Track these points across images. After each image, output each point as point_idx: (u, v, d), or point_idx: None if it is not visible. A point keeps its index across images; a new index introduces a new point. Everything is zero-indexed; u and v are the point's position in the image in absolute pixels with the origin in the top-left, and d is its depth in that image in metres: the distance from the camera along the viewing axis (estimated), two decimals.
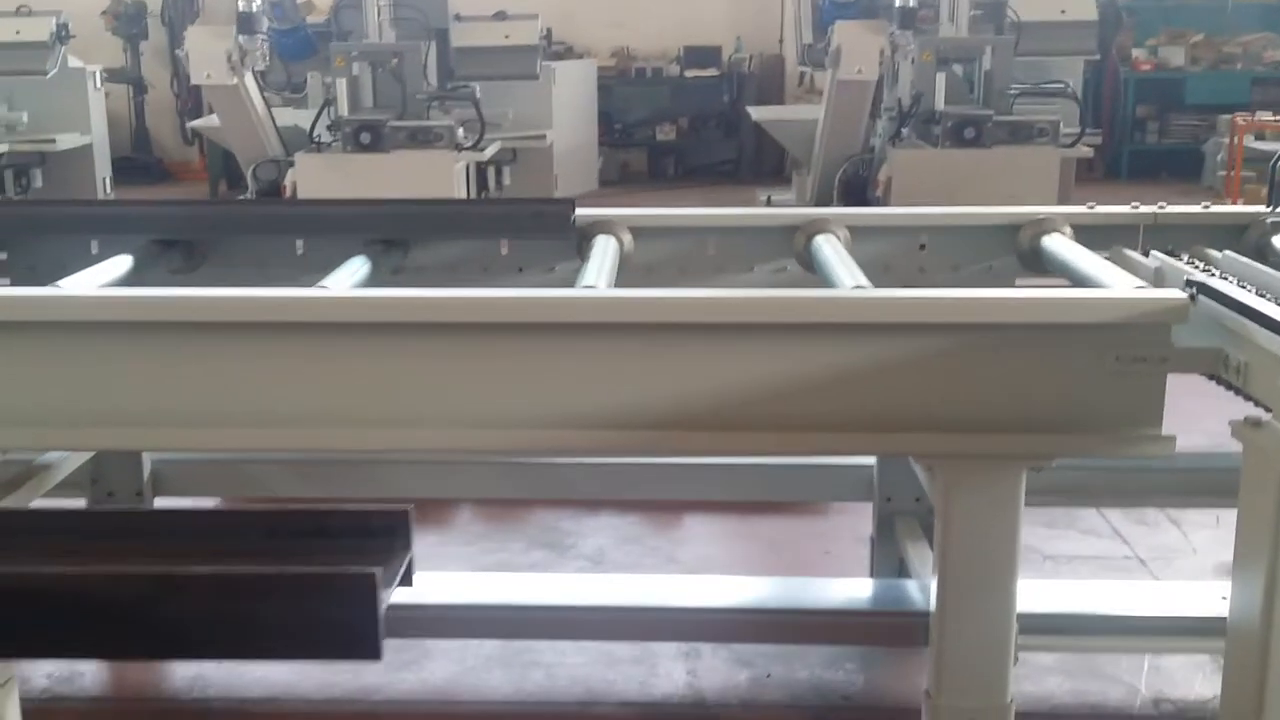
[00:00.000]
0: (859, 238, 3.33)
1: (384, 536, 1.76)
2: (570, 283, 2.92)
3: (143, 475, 3.58)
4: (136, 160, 12.95)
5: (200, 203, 3.29)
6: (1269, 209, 3.13)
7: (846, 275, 2.79)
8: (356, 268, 2.94)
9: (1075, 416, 2.54)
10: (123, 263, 3.07)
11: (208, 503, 4.19)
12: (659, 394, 2.53)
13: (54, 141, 9.85)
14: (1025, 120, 8.82)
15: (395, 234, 3.10)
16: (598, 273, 2.84)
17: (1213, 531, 4.10)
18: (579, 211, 3.31)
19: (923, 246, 3.36)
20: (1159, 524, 4.20)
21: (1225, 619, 2.50)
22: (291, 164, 8.96)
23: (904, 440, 2.60)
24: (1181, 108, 12.91)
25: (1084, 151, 9.07)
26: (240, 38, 8.61)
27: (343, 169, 8.82)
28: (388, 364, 2.55)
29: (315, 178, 8.87)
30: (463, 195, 9.20)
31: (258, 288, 2.64)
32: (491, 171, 10.05)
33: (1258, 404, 2.45)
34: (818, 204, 9.36)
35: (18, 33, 9.62)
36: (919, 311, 2.49)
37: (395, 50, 9.26)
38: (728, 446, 2.67)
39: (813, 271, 3.19)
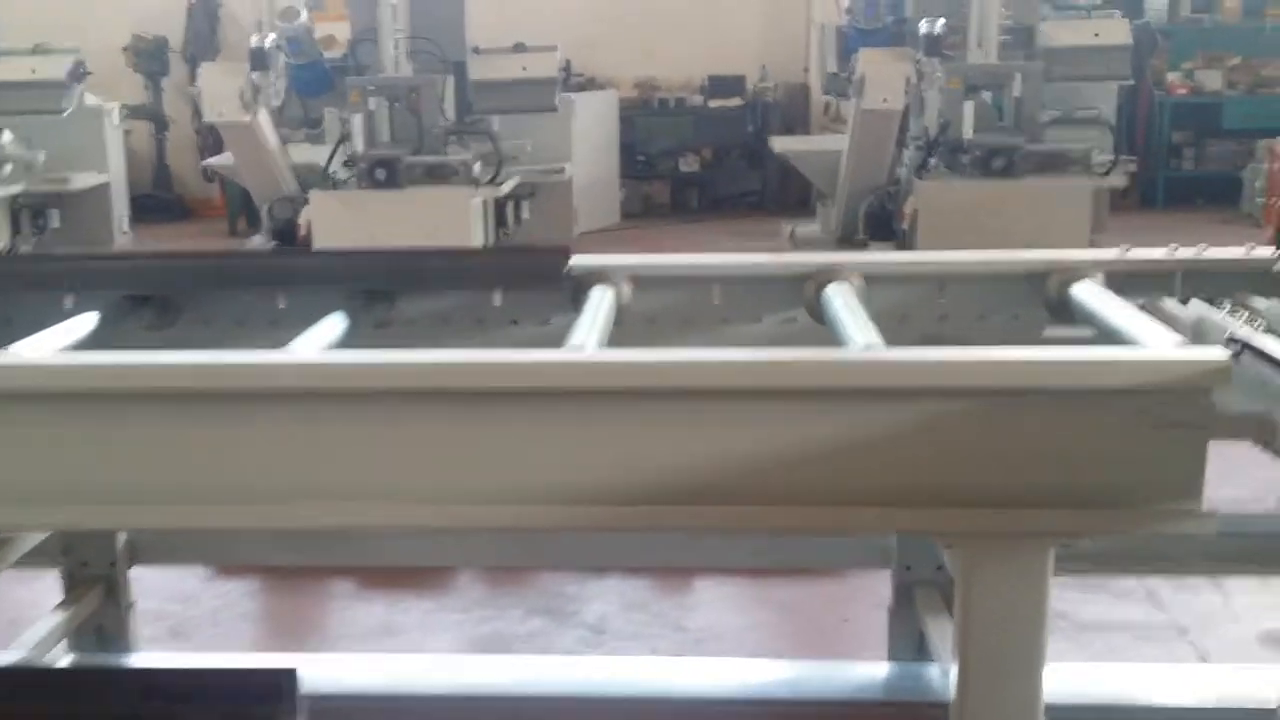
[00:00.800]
0: (875, 285, 3.11)
1: (266, 700, 1.52)
2: (565, 337, 2.71)
3: (116, 545, 3.39)
4: (157, 198, 12.88)
5: (174, 255, 3.11)
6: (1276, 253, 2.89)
7: (857, 332, 2.57)
8: (331, 326, 2.75)
9: (1106, 490, 2.32)
10: (88, 321, 2.90)
11: (187, 573, 4.02)
12: (649, 466, 2.33)
13: (68, 181, 9.75)
14: (1057, 149, 8.57)
15: (377, 286, 2.90)
16: (589, 330, 2.64)
17: (1256, 595, 3.83)
18: (576, 260, 3.11)
19: (942, 289, 3.14)
20: (1199, 587, 3.93)
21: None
22: (307, 202, 8.84)
23: (919, 516, 2.37)
24: (1219, 133, 12.60)
25: (1118, 181, 8.80)
26: (254, 74, 8.48)
27: (358, 206, 8.67)
28: (350, 434, 2.36)
29: (330, 216, 8.73)
30: (479, 231, 9.04)
31: (210, 351, 2.44)
32: (510, 206, 9.87)
33: None
34: (842, 237, 9.13)
35: (33, 71, 9.51)
36: (934, 375, 2.27)
37: (412, 84, 9.13)
38: (725, 523, 2.45)
39: (824, 323, 2.97)
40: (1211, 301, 2.82)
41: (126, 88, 12.68)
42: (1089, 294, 2.88)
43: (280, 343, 2.69)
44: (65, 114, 9.64)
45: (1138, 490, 2.31)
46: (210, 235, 11.35)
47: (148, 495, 2.36)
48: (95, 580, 3.39)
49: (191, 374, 2.31)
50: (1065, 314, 3.03)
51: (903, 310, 3.16)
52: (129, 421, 2.33)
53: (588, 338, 2.55)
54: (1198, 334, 2.65)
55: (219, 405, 2.32)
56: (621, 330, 3.13)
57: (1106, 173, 8.67)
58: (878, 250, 8.81)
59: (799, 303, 3.12)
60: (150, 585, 4.03)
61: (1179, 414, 2.26)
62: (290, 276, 2.96)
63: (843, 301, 2.82)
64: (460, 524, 2.45)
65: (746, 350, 2.38)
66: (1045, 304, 3.07)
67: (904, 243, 8.78)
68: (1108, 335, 2.70)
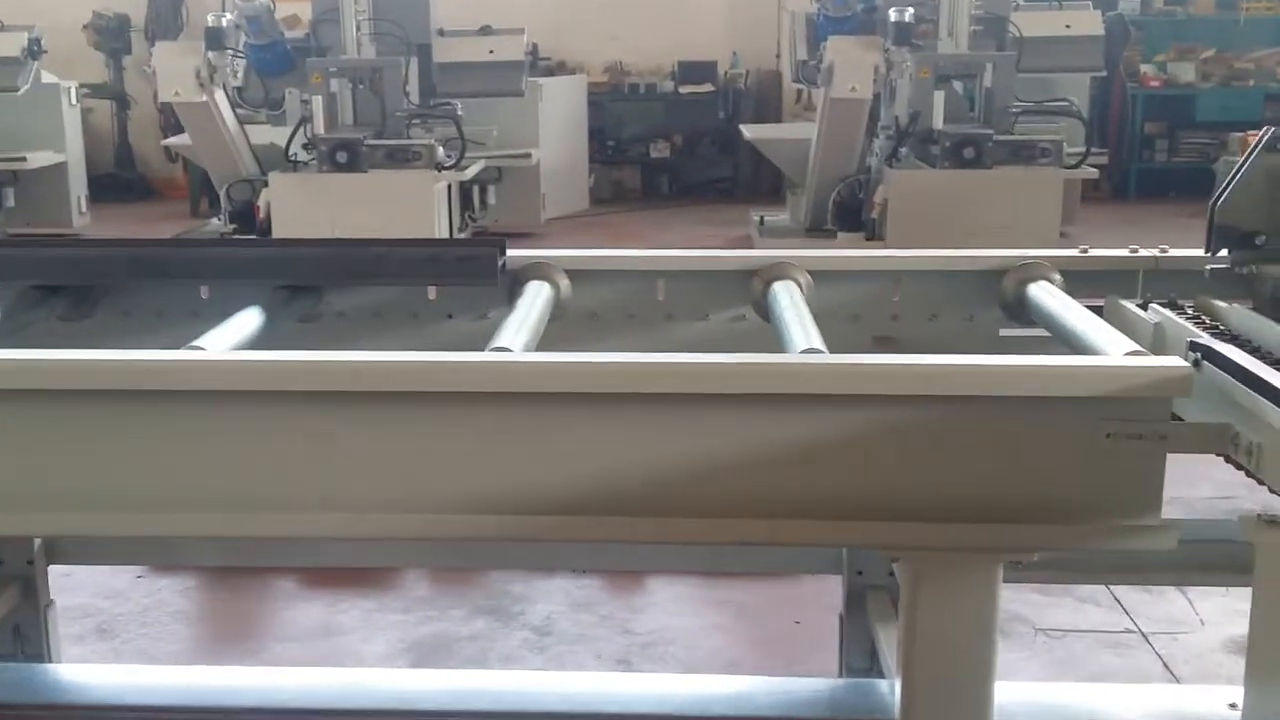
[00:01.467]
0: (824, 282, 2.98)
1: None
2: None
3: (34, 544, 3.24)
4: (119, 178, 12.64)
5: (88, 243, 2.95)
6: (1207, 254, 2.78)
7: (800, 334, 2.44)
8: (246, 321, 2.60)
9: (1060, 504, 2.20)
10: None
11: (120, 568, 3.87)
12: (575, 475, 2.20)
13: (25, 160, 9.56)
14: (1027, 140, 8.49)
15: (298, 279, 2.76)
16: (516, 330, 2.50)
17: (1221, 599, 3.73)
18: (512, 253, 2.97)
19: (896, 286, 3.02)
20: (1163, 591, 3.83)
21: None
22: (266, 184, 8.67)
23: (862, 530, 2.25)
24: (1191, 125, 12.53)
25: (1089, 172, 8.72)
26: (210, 54, 8.29)
27: (318, 189, 8.51)
28: (250, 438, 2.22)
29: (290, 198, 8.57)
30: (443, 216, 8.89)
31: (110, 350, 2.31)
32: (476, 191, 9.73)
33: (1273, 492, 2.09)
34: (811, 226, 9.03)
35: None
36: (877, 382, 2.15)
37: (374, 66, 8.97)
38: (654, 535, 2.32)
39: (767, 319, 2.85)
40: (1173, 305, 2.70)
41: (88, 66, 12.43)
42: (1046, 295, 2.76)
43: (198, 335, 2.55)
44: (20, 92, 9.45)
45: (1093, 504, 2.19)
46: (172, 217, 11.13)
47: (44, 500, 2.23)
48: (11, 579, 3.25)
49: (81, 372, 2.17)
50: (1022, 315, 2.91)
51: (854, 309, 3.03)
52: (22, 421, 2.20)
53: (514, 338, 2.42)
54: (1158, 340, 2.54)
55: (111, 405, 2.18)
56: (561, 326, 3.00)
57: (1078, 164, 8.59)
58: (846, 240, 8.72)
59: (748, 299, 2.99)
60: (80, 580, 3.90)
61: (1137, 425, 2.15)
62: (209, 268, 2.81)
63: (788, 300, 2.69)
64: (369, 534, 2.31)
65: (679, 354, 2.24)
66: (1001, 304, 2.95)
67: (873, 232, 8.70)
68: (1064, 339, 2.58)
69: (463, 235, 9.63)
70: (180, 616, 3.78)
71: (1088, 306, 2.79)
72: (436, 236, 8.50)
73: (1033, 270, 2.88)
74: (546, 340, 2.93)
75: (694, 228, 10.92)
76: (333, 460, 2.23)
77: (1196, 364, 2.25)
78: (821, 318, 3.02)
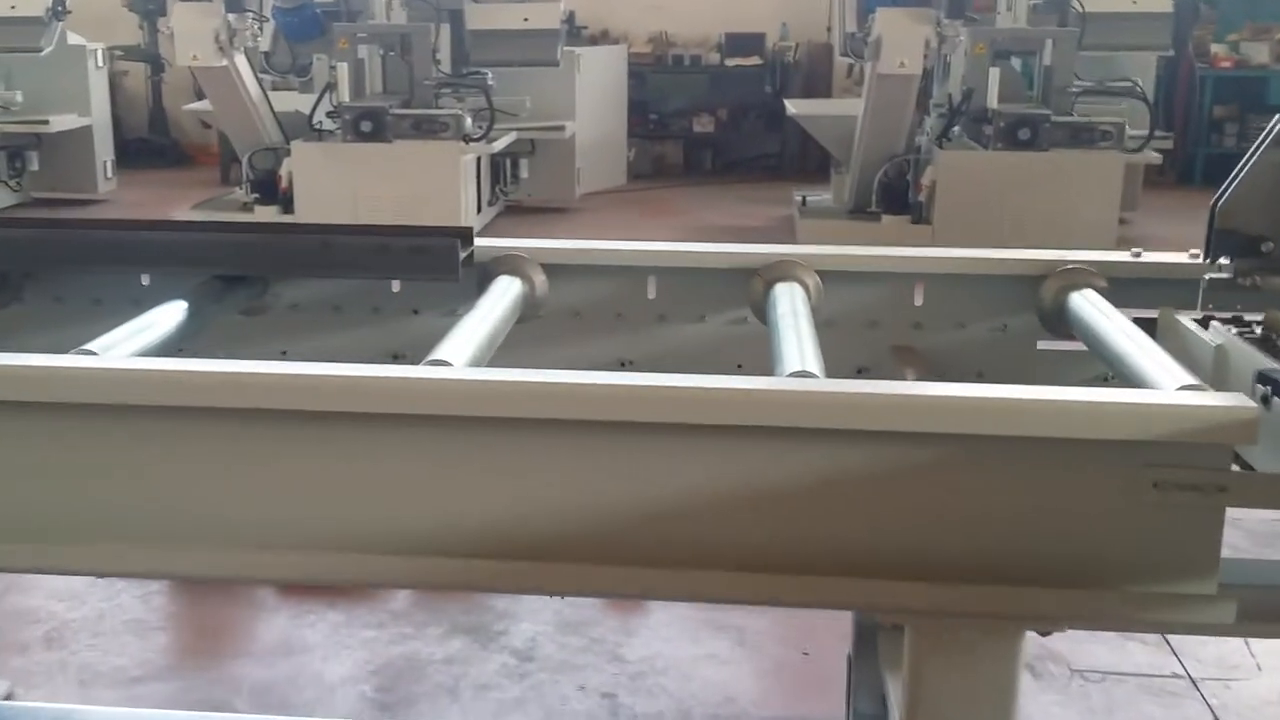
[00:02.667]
0: (838, 284, 2.62)
1: None
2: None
3: None
4: (152, 143, 12.44)
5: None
6: (1205, 261, 2.39)
7: (793, 350, 2.08)
8: (163, 317, 2.27)
9: (1096, 565, 1.85)
10: None
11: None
12: (527, 515, 1.88)
13: (47, 123, 9.33)
14: (1087, 122, 8.03)
15: (228, 268, 2.44)
16: (466, 338, 2.16)
17: None
18: (482, 243, 2.63)
19: (921, 286, 2.65)
20: None
21: None
22: (290, 153, 8.38)
23: (861, 589, 1.90)
24: (1264, 109, 11.92)
25: (1151, 157, 8.23)
26: (230, 16, 7.99)
27: (341, 159, 8.22)
28: (143, 461, 1.90)
29: (312, 168, 8.29)
30: (470, 189, 8.57)
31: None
32: (507, 164, 9.39)
33: None
34: (855, 208, 8.60)
35: (12, 7, 9.07)
36: (870, 416, 1.79)
37: (404, 32, 8.64)
38: (618, 587, 1.98)
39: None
40: (1239, 321, 2.31)
41: (123, 28, 12.21)
42: (1089, 307, 2.38)
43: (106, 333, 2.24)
44: (44, 53, 9.22)
45: (1136, 567, 1.84)
46: (201, 184, 10.86)
47: None
48: None
49: None
50: (1061, 327, 2.53)
51: (871, 314, 2.66)
52: None
53: (460, 349, 2.08)
54: (1219, 367, 2.15)
55: None
56: (538, 327, 2.67)
57: (1140, 148, 8.11)
58: (891, 223, 8.30)
59: (748, 299, 2.63)
60: (35, 580, 3.63)
61: (1190, 474, 1.79)
62: (131, 255, 2.48)
63: (788, 307, 2.33)
64: (282, 576, 1.99)
65: (648, 376, 1.88)
66: (1038, 313, 2.57)
67: (920, 216, 8.28)
68: (1108, 362, 2.21)
69: (492, 209, 9.31)
70: (135, 626, 3.49)
71: (1138, 320, 2.41)
72: (458, 216, 8.20)
73: (1075, 277, 2.51)
74: (518, 344, 2.59)
75: (735, 205, 10.51)
76: (234, 489, 1.91)
77: (1266, 400, 1.88)
78: (835, 324, 2.67)
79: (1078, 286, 2.48)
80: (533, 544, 1.88)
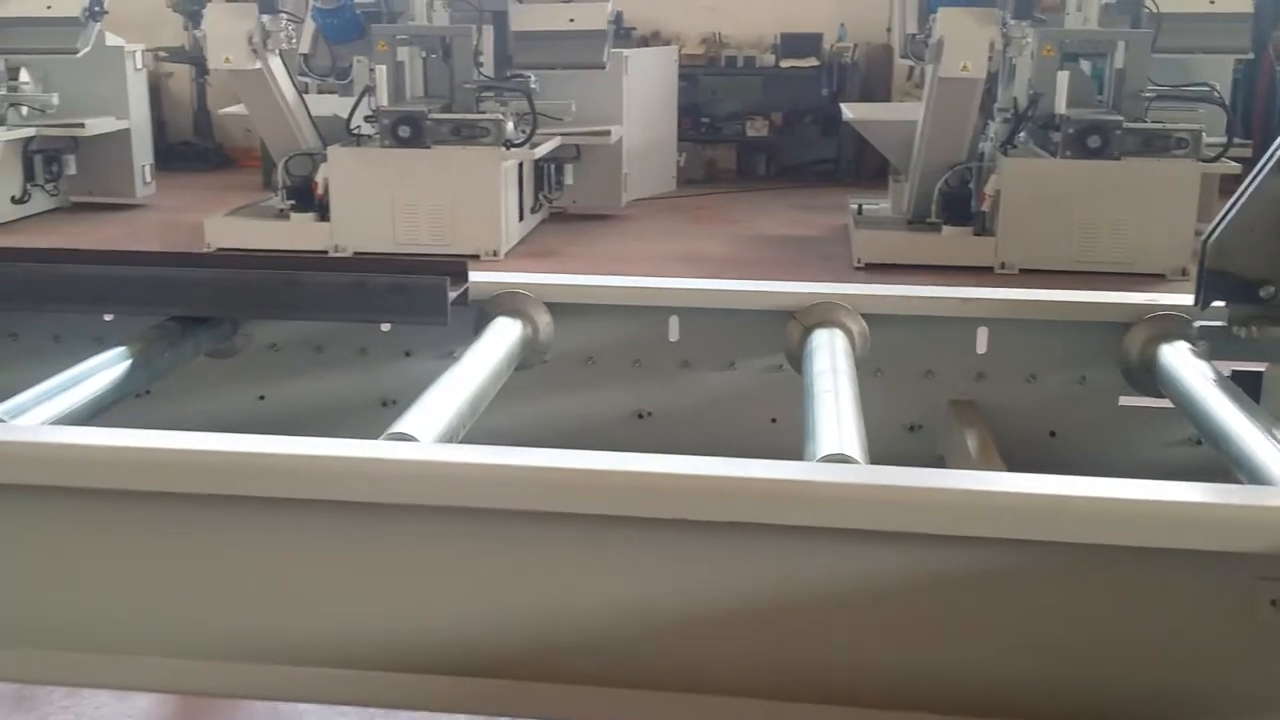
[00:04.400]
0: (885, 325, 2.28)
1: None
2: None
3: None
4: (196, 146, 12.26)
5: None
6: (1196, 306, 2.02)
7: (830, 423, 1.73)
8: (96, 369, 1.97)
9: (1196, 698, 1.49)
10: None
11: None
12: (502, 623, 1.55)
13: (83, 126, 9.15)
14: (1161, 129, 7.57)
15: (186, 309, 2.13)
16: (440, 402, 1.83)
17: None
18: (479, 278, 2.31)
19: (985, 333, 2.30)
20: None
21: None
22: (326, 158, 8.13)
23: None
24: None
25: (1230, 166, 7.74)
26: (264, 17, 7.75)
27: (379, 165, 7.96)
28: (38, 552, 1.60)
29: (348, 174, 8.03)
30: (512, 196, 8.27)
31: None
32: (551, 170, 9.08)
33: None
34: (914, 218, 8.20)
35: (49, 7, 8.89)
36: (929, 516, 1.45)
37: (445, 34, 8.36)
38: (604, 713, 1.64)
39: None
40: None
41: (169, 30, 12.05)
42: (1182, 364, 2.02)
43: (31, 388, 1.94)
44: (80, 54, 9.03)
45: (1245, 699, 1.49)
46: (242, 188, 10.65)
47: None
48: None
49: None
50: (1149, 383, 2.17)
51: (927, 362, 2.32)
52: None
53: (431, 417, 1.75)
54: None
55: None
56: (546, 373, 2.35)
57: (1218, 157, 7.65)
58: (952, 235, 7.90)
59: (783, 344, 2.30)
60: None
61: None
62: (79, 294, 2.18)
63: (826, 363, 1.98)
64: (198, 688, 1.67)
65: (640, 459, 1.54)
66: (1122, 365, 2.21)
67: (983, 227, 7.87)
68: (1208, 437, 1.84)
69: (535, 216, 9.01)
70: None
71: (1241, 377, 2.05)
72: (498, 223, 7.91)
73: (1166, 325, 2.14)
74: (519, 392, 2.27)
75: (789, 213, 10.13)
76: (150, 584, 1.60)
77: None
78: (884, 372, 2.31)
79: (1169, 338, 2.12)
80: (504, 659, 1.56)
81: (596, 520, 1.49)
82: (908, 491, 1.45)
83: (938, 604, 1.47)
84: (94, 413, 1.91)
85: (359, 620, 1.56)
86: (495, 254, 7.96)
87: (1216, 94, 8.00)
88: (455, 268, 2.19)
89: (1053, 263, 7.59)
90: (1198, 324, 2.06)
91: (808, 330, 2.19)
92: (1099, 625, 1.47)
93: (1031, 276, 7.56)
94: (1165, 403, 2.21)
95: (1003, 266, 7.71)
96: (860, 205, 8.82)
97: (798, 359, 2.19)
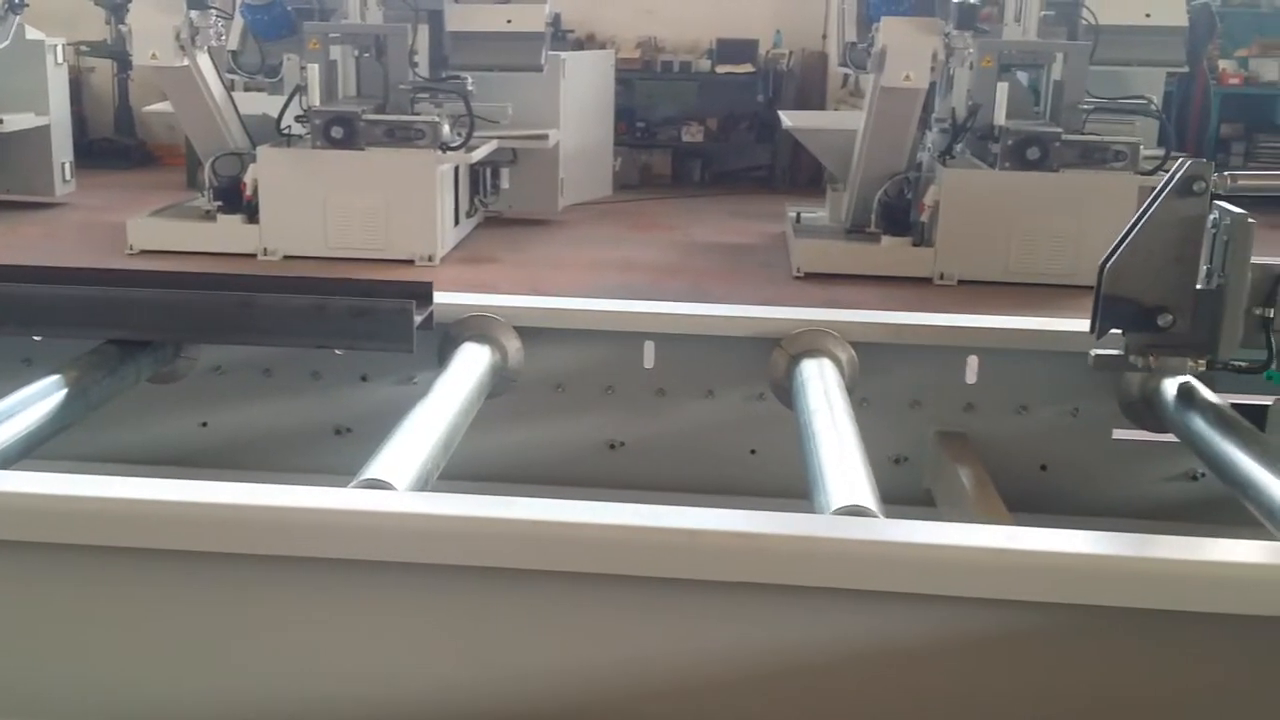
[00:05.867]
0: (872, 355, 2.17)
1: None
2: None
3: None
4: (117, 143, 11.90)
5: None
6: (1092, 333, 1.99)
7: (835, 472, 1.62)
8: (28, 401, 1.80)
9: None
10: None
11: None
12: (484, 683, 1.42)
13: (1, 122, 8.80)
14: (1100, 141, 7.59)
15: (129, 332, 1.97)
16: (417, 443, 1.69)
17: None
18: (445, 299, 2.17)
19: (975, 362, 2.21)
20: None
21: None
22: (255, 159, 7.89)
23: None
24: (1272, 127, 11.54)
25: None
26: (192, 13, 7.50)
27: (310, 166, 7.73)
28: None
29: (279, 175, 7.80)
30: (448, 199, 8.10)
31: None
32: (487, 174, 8.90)
33: None
34: (852, 227, 8.15)
35: None
36: (965, 577, 1.34)
37: (379, 33, 8.16)
38: None
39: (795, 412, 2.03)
40: None
41: (90, 24, 11.67)
42: (1193, 399, 1.93)
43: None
44: (1, 47, 8.69)
45: None
46: (164, 187, 10.34)
47: None
48: None
49: None
50: (1148, 415, 2.09)
51: (913, 393, 2.22)
52: None
53: (407, 460, 1.61)
54: None
55: None
56: (512, 401, 2.21)
57: (1154, 170, 7.67)
58: (891, 245, 7.85)
59: (765, 373, 2.18)
60: None
61: None
62: (15, 316, 2.01)
63: (821, 399, 1.87)
64: None
65: (661, 511, 1.41)
66: (1120, 398, 2.12)
67: (922, 237, 7.84)
68: (1230, 481, 1.76)
69: (471, 220, 8.82)
70: None
71: (1247, 410, 1.98)
72: (433, 228, 7.73)
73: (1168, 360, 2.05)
74: (485, 421, 2.13)
75: (726, 220, 10.05)
76: (104, 650, 1.45)
77: None
78: (870, 403, 2.21)
79: (1170, 371, 2.04)
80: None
81: (598, 579, 1.37)
82: (938, 550, 1.34)
83: (963, 668, 1.37)
84: (26, 450, 1.74)
85: (336, 683, 1.42)
86: (430, 259, 7.78)
87: (1153, 107, 8.04)
88: (419, 289, 2.06)
89: (992, 274, 7.59)
90: (1094, 353, 1.99)
91: (794, 359, 2.08)
92: (1130, 693, 1.38)
93: (970, 288, 7.55)
94: (1159, 435, 2.14)
95: (941, 277, 7.69)
96: (799, 213, 8.76)
97: (784, 390, 2.08)
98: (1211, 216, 1.93)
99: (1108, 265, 1.91)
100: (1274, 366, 1.90)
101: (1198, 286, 1.91)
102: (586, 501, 1.41)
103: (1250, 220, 1.91)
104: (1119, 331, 1.94)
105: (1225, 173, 2.01)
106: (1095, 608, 1.33)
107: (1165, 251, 1.90)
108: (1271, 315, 1.90)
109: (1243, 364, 1.92)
